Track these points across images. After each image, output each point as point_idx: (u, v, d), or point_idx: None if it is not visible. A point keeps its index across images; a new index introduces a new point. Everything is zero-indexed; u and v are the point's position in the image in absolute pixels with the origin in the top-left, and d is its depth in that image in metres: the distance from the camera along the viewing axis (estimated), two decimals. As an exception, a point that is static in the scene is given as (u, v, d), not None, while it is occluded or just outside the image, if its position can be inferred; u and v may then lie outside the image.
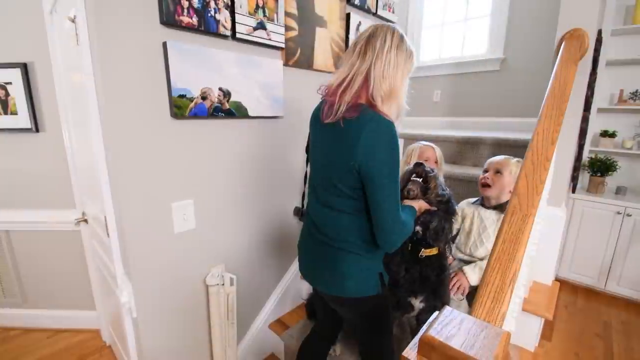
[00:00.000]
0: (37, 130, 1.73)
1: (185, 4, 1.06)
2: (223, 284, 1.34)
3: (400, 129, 2.30)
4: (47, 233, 1.86)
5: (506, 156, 1.30)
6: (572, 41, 1.16)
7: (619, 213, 2.33)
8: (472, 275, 1.23)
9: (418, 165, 1.07)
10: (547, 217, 1.30)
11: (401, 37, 0.88)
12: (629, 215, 2.30)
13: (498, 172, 1.25)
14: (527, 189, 0.83)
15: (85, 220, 1.69)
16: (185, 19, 1.06)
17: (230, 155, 1.32)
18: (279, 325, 1.64)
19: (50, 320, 2.00)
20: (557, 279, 2.71)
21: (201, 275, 1.31)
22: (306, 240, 1.06)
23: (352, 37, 1.71)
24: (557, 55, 1.19)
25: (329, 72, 1.65)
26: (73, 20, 1.11)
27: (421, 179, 1.05)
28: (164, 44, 1.05)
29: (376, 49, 0.86)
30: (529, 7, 2.49)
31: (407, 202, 1.04)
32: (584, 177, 2.62)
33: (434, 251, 1.09)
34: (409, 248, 1.10)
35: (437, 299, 1.12)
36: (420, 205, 1.04)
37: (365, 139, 0.82)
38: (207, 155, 1.24)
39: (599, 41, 1.62)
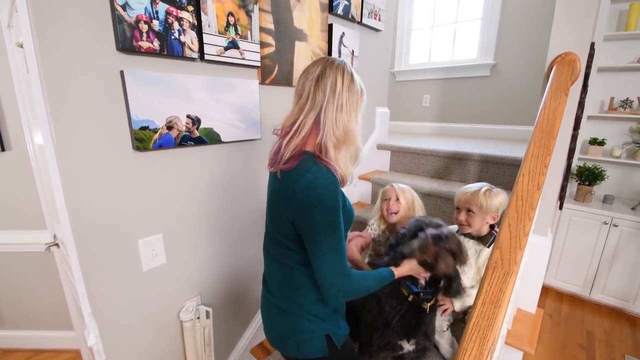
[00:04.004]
0: (3, 149, 1.63)
1: (144, 28, 0.96)
2: (198, 318, 1.28)
3: (386, 139, 2.24)
4: (21, 254, 1.78)
5: (473, 189, 1.18)
6: (562, 67, 1.10)
7: (605, 223, 2.33)
8: (456, 302, 1.19)
9: (442, 241, 0.96)
10: (532, 246, 1.26)
11: (352, 76, 0.83)
12: (615, 225, 2.29)
13: (469, 210, 1.17)
14: (509, 242, 0.78)
15: (57, 245, 1.61)
16: (144, 44, 0.97)
17: (203, 184, 1.24)
18: (261, 349, 1.59)
19: (30, 341, 1.95)
20: (543, 286, 2.72)
21: (175, 310, 1.25)
22: (262, 293, 1.00)
23: (335, 49, 1.63)
24: (547, 80, 1.13)
25: (311, 88, 1.57)
26: (21, 46, 1.01)
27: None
28: (122, 73, 0.96)
29: (327, 93, 0.79)
30: (521, 11, 2.42)
31: (404, 267, 0.96)
32: (572, 186, 2.60)
33: (433, 300, 1.04)
34: (410, 299, 1.03)
35: (428, 340, 1.08)
36: (411, 273, 0.98)
37: (299, 193, 0.76)
38: (176, 186, 1.16)
39: (590, 56, 1.56)
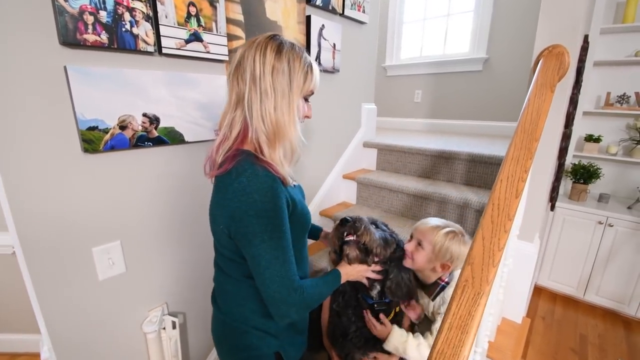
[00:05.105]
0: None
1: (90, 20, 0.87)
2: (164, 328, 1.21)
3: (373, 137, 2.15)
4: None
5: (436, 224, 0.98)
6: (550, 61, 1.01)
7: (600, 223, 2.25)
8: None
9: (343, 223, 0.90)
10: (518, 252, 1.19)
11: (277, 52, 0.68)
12: (610, 225, 2.22)
13: (419, 243, 0.97)
14: (482, 256, 0.70)
15: (21, 248, 1.54)
16: (90, 38, 0.88)
17: (166, 187, 1.16)
18: (237, 358, 1.53)
19: (7, 344, 1.90)
20: (536, 286, 2.66)
21: (138, 321, 1.18)
22: (212, 311, 0.93)
23: (314, 42, 1.53)
24: (533, 75, 1.05)
25: (287, 83, 1.48)
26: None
27: (355, 236, 0.90)
28: (65, 69, 0.87)
29: (247, 80, 0.68)
30: (514, 2, 2.31)
31: (344, 267, 0.90)
32: (567, 184, 2.52)
33: (392, 314, 0.97)
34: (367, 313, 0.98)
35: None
36: (358, 271, 0.91)
37: (231, 199, 0.67)
38: (134, 190, 1.08)
39: (584, 49, 1.47)
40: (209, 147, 0.78)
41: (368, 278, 0.95)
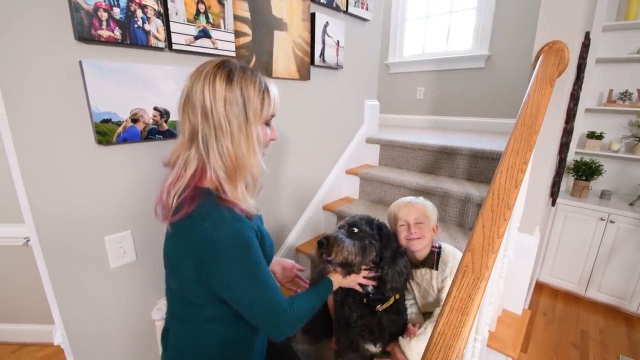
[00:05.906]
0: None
1: (104, 16, 0.91)
2: (172, 316, 1.25)
3: (376, 133, 2.18)
4: (2, 247, 1.76)
5: (409, 199, 1.08)
6: (549, 57, 1.03)
7: (602, 219, 2.27)
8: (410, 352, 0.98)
9: (319, 246, 0.92)
10: (518, 245, 1.21)
11: (228, 80, 0.62)
12: (612, 222, 2.23)
13: (418, 222, 1.03)
14: (482, 243, 0.73)
15: (33, 240, 1.58)
16: (104, 33, 0.92)
17: (175, 180, 1.19)
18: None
19: (15, 335, 1.95)
20: (537, 282, 2.68)
21: (148, 309, 1.21)
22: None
23: (318, 39, 1.56)
24: (534, 70, 1.07)
25: (292, 79, 1.51)
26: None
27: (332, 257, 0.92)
28: (80, 64, 0.91)
29: (198, 114, 0.62)
30: (516, 1, 2.33)
31: (336, 275, 0.93)
32: (569, 180, 2.54)
33: (391, 301, 1.00)
34: (364, 302, 1.01)
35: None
36: (350, 280, 0.95)
37: (196, 248, 0.62)
38: (144, 181, 1.11)
39: (585, 46, 1.49)
40: (160, 187, 0.72)
41: (361, 284, 0.98)
